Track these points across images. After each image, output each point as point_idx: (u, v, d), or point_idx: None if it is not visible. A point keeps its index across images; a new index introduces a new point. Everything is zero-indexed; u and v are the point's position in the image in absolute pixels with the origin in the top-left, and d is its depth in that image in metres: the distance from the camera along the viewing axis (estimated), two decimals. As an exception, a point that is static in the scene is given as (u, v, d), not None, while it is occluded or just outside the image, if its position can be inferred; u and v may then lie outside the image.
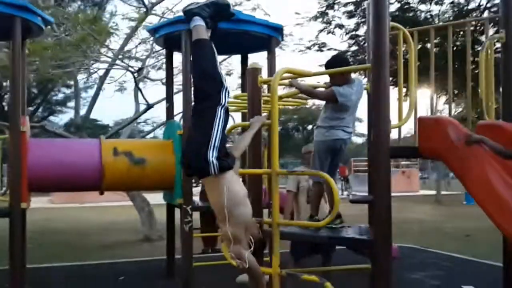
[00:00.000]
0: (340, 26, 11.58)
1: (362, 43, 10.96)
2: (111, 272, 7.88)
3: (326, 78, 4.31)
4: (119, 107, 38.32)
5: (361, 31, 11.19)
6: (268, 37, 6.95)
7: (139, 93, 11.90)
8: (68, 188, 7.47)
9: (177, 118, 8.18)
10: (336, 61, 4.07)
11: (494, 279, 6.93)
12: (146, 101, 11.34)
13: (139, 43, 12.84)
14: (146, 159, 6.74)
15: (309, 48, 11.75)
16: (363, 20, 11.05)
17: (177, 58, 7.66)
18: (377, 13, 3.58)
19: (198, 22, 3.49)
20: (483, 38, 4.48)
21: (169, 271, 7.47)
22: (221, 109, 3.28)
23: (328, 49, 11.85)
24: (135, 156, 6.70)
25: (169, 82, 7.77)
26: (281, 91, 6.95)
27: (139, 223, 11.84)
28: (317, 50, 11.83)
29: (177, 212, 7.68)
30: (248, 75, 4.19)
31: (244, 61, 8.11)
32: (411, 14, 10.35)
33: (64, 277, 7.52)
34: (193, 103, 3.51)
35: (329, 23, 11.44)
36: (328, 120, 4.04)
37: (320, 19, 11.39)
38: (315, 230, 3.71)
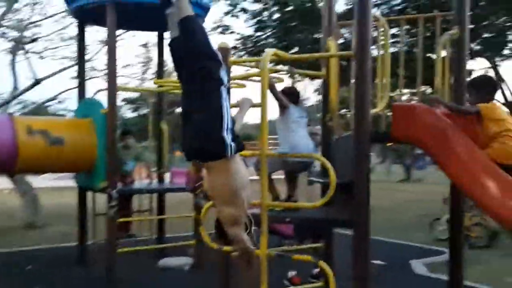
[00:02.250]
0: (244, 10, 11.69)
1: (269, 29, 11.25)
2: (12, 261, 7.21)
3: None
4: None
5: (265, 15, 11.42)
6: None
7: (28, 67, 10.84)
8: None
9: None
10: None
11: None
12: (35, 75, 10.41)
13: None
14: (64, 139, 6.27)
15: (213, 29, 11.71)
16: (266, 5, 11.28)
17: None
18: (361, 6, 3.73)
19: None
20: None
21: (82, 258, 7.04)
22: (224, 89, 3.19)
23: (231, 32, 11.94)
24: (51, 135, 6.19)
25: (81, 58, 7.26)
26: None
27: (19, 209, 10.91)
28: (220, 33, 11.86)
29: (89, 196, 7.29)
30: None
31: (161, 39, 7.84)
32: None
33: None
34: (186, 83, 3.31)
35: (234, 6, 11.48)
36: None
37: (226, 1, 11.42)
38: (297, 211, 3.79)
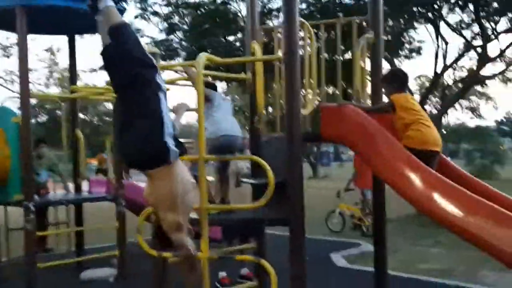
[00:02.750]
0: (156, 13, 11.53)
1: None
2: None
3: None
4: None
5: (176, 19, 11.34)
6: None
7: None
8: None
9: None
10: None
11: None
12: None
13: None
14: (-27, 151, 5.88)
15: None
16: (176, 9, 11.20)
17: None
18: (287, 9, 3.87)
19: (110, 2, 3.27)
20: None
21: (-3, 277, 6.62)
22: (161, 93, 3.18)
23: (141, 36, 11.70)
24: (-42, 148, 5.78)
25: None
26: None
27: None
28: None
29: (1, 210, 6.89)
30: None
31: (71, 43, 7.56)
32: None
33: None
34: (122, 90, 3.26)
35: (145, 9, 11.29)
36: None
37: (138, 4, 11.18)
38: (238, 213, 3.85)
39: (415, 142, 3.98)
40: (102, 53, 3.25)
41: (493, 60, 12.20)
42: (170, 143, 3.01)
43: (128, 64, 3.17)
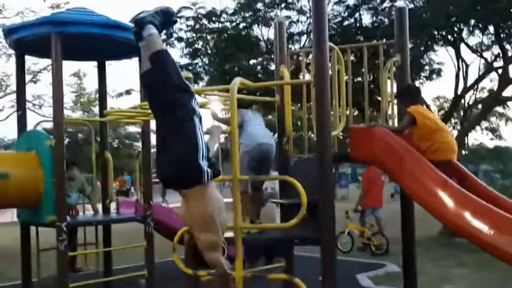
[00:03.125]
0: (180, 39, 11.83)
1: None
2: None
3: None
4: None
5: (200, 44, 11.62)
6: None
7: None
8: None
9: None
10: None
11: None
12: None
13: None
14: (8, 174, 6.08)
15: None
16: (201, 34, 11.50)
17: None
18: (318, 35, 4.01)
19: (153, 30, 3.44)
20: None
21: (26, 296, 6.75)
22: (197, 118, 3.32)
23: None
24: (-4, 170, 5.98)
25: (21, 89, 7.07)
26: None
27: None
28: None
29: (32, 231, 7.04)
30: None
31: (102, 68, 7.80)
32: None
33: None
34: (160, 114, 3.40)
35: (170, 35, 11.58)
36: None
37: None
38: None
39: (438, 155, 4.13)
40: (142, 76, 3.44)
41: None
42: (204, 164, 3.13)
43: (167, 89, 3.33)
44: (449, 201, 3.68)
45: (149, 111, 4.91)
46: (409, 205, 4.91)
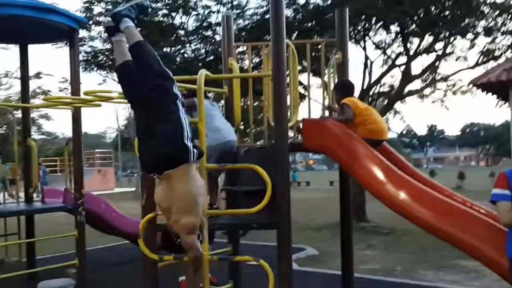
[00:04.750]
0: (98, 23, 11.42)
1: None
2: None
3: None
4: None
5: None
6: (70, 29, 6.69)
7: None
8: None
9: None
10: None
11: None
12: None
13: None
14: None
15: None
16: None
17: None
18: (276, 33, 4.24)
19: (130, 23, 3.55)
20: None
21: None
22: (179, 102, 3.46)
23: (82, 45, 11.51)
24: None
25: None
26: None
27: None
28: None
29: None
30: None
31: (23, 52, 7.46)
32: None
33: None
34: (141, 101, 3.49)
35: (89, 19, 11.14)
36: None
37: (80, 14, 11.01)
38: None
39: (373, 134, 4.71)
40: (118, 69, 3.55)
41: (417, 78, 13.30)
42: (190, 145, 3.29)
43: (149, 76, 3.45)
44: (394, 187, 4.10)
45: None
46: (346, 193, 5.33)
